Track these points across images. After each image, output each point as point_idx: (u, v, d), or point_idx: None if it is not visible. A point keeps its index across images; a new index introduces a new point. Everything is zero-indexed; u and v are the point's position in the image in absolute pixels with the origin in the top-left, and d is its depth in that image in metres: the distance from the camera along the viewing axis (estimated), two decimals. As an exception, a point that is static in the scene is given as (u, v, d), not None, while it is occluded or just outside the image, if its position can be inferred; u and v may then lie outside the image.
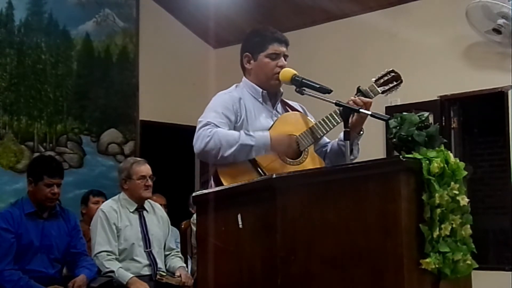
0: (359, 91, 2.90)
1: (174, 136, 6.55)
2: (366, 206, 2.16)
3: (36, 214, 4.10)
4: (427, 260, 2.11)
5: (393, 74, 2.96)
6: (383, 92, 2.95)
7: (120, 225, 4.34)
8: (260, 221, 2.34)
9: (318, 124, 2.90)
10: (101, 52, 6.71)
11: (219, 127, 2.79)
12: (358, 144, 2.94)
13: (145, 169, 4.48)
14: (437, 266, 2.12)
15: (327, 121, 2.88)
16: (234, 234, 2.41)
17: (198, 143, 2.77)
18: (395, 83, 2.96)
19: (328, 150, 3.05)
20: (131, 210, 4.44)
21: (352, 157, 2.82)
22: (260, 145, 2.78)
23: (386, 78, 2.95)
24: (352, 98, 2.84)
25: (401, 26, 5.96)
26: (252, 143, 2.76)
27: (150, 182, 4.46)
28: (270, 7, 6.58)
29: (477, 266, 2.30)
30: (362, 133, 2.94)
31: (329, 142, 3.08)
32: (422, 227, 2.13)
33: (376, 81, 2.95)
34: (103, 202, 5.00)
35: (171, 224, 4.77)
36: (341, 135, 2.93)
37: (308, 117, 3.06)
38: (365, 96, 2.87)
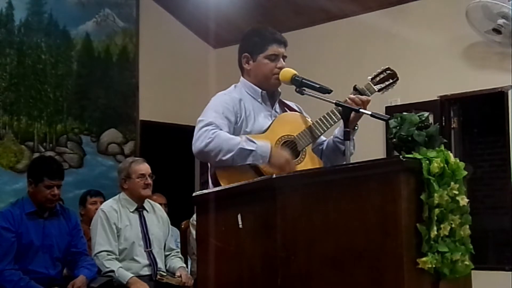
0: (356, 90, 2.90)
1: (174, 136, 6.55)
2: (366, 206, 2.16)
3: (37, 214, 4.10)
4: (424, 259, 2.11)
5: (389, 71, 2.97)
6: (379, 90, 2.95)
7: (120, 225, 4.34)
8: (260, 221, 2.34)
9: (316, 124, 2.90)
10: (101, 52, 6.71)
11: (220, 128, 2.77)
12: (353, 139, 2.93)
13: (144, 167, 4.48)
14: (434, 265, 2.12)
15: (324, 120, 2.88)
16: (234, 234, 2.41)
17: (198, 142, 2.75)
18: (391, 80, 2.96)
19: (324, 148, 3.05)
20: (131, 210, 4.44)
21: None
22: (259, 153, 2.74)
23: (382, 76, 2.96)
24: (351, 96, 2.84)
25: (401, 26, 5.96)
26: (253, 148, 2.74)
27: (149, 181, 4.46)
28: (270, 7, 6.58)
29: (473, 267, 2.30)
30: (357, 128, 2.93)
31: (325, 140, 3.08)
32: (419, 226, 2.12)
33: (372, 79, 2.95)
34: (101, 202, 5.01)
35: (171, 224, 4.77)
36: (336, 131, 2.96)
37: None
38: (362, 95, 2.87)
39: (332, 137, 3.01)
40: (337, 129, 2.95)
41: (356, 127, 2.93)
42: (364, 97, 2.83)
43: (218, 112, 2.84)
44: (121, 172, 4.53)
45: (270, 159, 2.75)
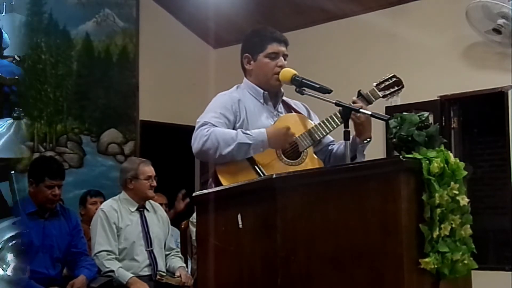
0: (360, 95, 2.91)
1: (174, 136, 6.55)
2: (366, 206, 2.16)
3: (37, 214, 4.10)
4: (426, 259, 2.11)
5: (394, 79, 2.97)
6: (384, 97, 2.95)
7: (120, 224, 4.35)
8: (260, 221, 2.34)
9: (318, 126, 2.91)
10: (101, 52, 6.70)
11: (216, 126, 2.79)
12: (363, 152, 2.91)
13: (151, 170, 4.56)
14: (435, 266, 2.12)
15: (326, 123, 2.88)
16: (234, 234, 2.41)
17: (196, 143, 2.78)
18: (396, 87, 2.96)
19: (334, 150, 3.05)
20: (132, 210, 4.45)
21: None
22: (258, 142, 2.78)
23: (387, 82, 2.96)
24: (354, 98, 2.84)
25: (401, 26, 5.96)
26: (250, 142, 2.77)
27: (154, 183, 4.51)
28: (270, 7, 6.58)
29: (477, 266, 2.29)
30: (370, 141, 2.91)
31: (334, 141, 3.08)
32: (422, 227, 2.13)
33: (377, 85, 2.95)
34: (101, 202, 5.01)
35: (172, 224, 4.78)
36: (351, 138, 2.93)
37: (312, 117, 3.07)
38: (366, 100, 2.88)
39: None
40: (351, 137, 2.92)
41: (368, 139, 2.91)
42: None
43: (216, 112, 2.86)
44: (128, 171, 4.53)
45: (270, 143, 2.79)
